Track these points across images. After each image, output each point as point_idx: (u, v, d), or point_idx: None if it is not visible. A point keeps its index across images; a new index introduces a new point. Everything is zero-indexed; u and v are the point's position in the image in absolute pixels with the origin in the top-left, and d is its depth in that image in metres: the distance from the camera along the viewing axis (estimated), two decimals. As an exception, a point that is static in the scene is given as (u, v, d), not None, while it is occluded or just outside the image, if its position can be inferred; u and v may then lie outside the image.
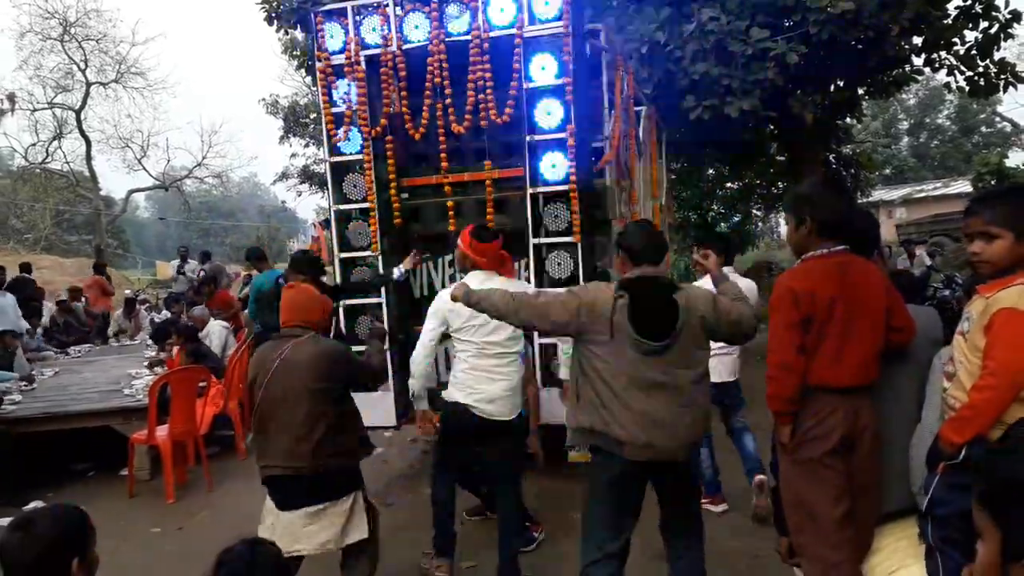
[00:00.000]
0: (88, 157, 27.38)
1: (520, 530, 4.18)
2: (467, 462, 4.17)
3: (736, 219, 19.05)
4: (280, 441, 3.24)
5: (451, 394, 3.89)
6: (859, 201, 16.22)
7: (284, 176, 26.88)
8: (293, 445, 3.20)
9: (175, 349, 7.05)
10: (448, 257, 5.28)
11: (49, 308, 11.28)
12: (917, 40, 9.96)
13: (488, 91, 4.79)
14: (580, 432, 3.06)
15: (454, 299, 3.35)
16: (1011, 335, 2.20)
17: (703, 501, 4.44)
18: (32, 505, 5.46)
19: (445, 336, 3.97)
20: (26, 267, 12.23)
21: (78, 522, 1.81)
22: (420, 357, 3.97)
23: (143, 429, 5.76)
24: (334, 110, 5.15)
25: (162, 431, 5.72)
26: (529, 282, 4.99)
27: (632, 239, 3.12)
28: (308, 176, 24.99)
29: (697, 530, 3.24)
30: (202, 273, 12.51)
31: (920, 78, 13.15)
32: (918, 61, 10.65)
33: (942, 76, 10.92)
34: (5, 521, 2.07)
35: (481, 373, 3.81)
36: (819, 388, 2.59)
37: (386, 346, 4.50)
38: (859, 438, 2.59)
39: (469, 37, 4.79)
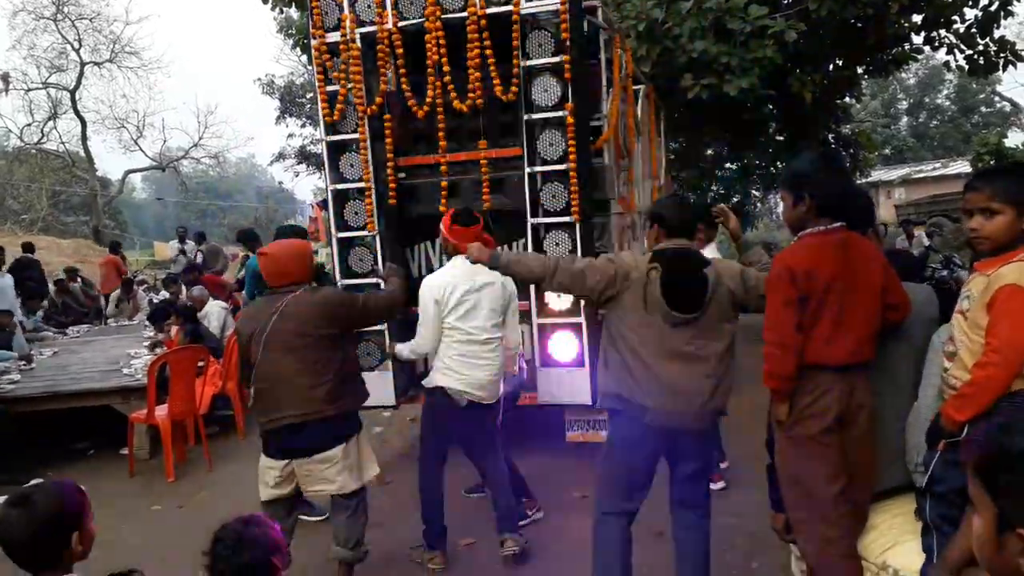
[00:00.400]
0: (84, 137, 27.34)
1: (515, 499, 4.22)
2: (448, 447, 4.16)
3: (735, 199, 18.99)
4: (290, 390, 3.30)
5: (437, 380, 3.91)
6: (858, 181, 16.17)
7: (281, 156, 26.83)
8: (306, 392, 3.29)
9: (174, 329, 7.05)
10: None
11: (47, 289, 11.27)
12: (917, 18, 9.91)
13: (491, 67, 4.75)
14: (606, 397, 3.15)
15: (474, 261, 3.29)
16: (1014, 311, 2.20)
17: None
18: (32, 483, 5.50)
19: None
20: (29, 247, 12.14)
21: (75, 497, 1.82)
22: (429, 345, 3.97)
23: (142, 409, 5.78)
24: (329, 88, 5.11)
25: (161, 410, 5.74)
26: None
27: (669, 211, 3.17)
28: (305, 156, 24.94)
29: (705, 505, 3.28)
30: (199, 254, 12.50)
31: (919, 57, 13.08)
32: (917, 40, 10.59)
33: (942, 55, 10.87)
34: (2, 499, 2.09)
35: (469, 359, 3.87)
36: (815, 366, 2.59)
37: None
38: (855, 416, 2.61)
39: (465, 14, 4.75)
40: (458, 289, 3.84)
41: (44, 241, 19.40)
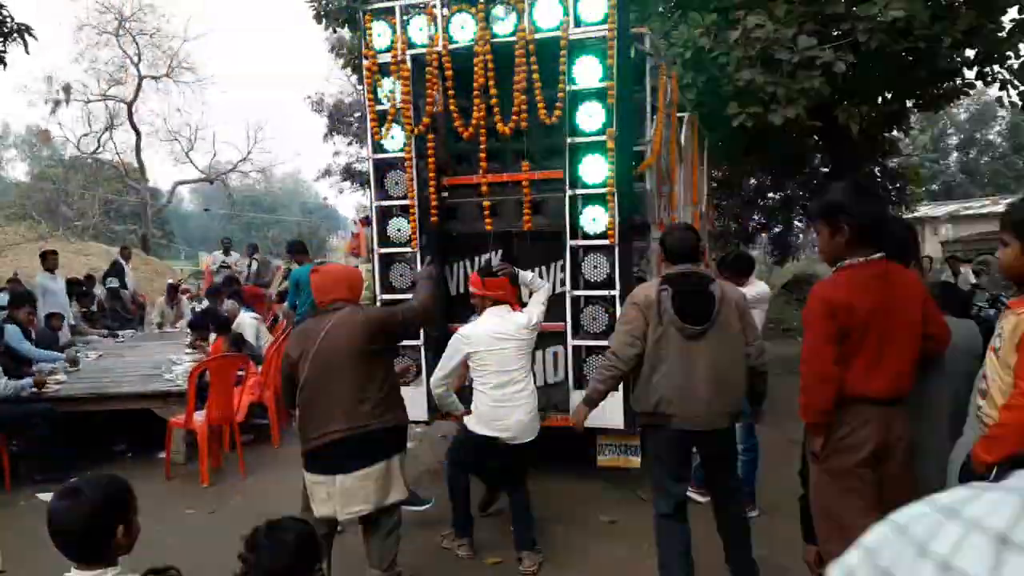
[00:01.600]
0: (137, 149, 28.15)
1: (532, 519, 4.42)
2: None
3: (777, 230, 18.81)
4: (337, 407, 3.39)
5: (476, 427, 4.16)
6: (904, 216, 15.92)
7: (327, 173, 27.24)
8: (353, 407, 3.38)
9: (213, 337, 7.19)
10: (486, 256, 5.31)
11: (98, 293, 11.60)
12: (970, 53, 9.73)
13: (537, 91, 4.81)
14: (640, 413, 3.59)
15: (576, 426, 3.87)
16: None
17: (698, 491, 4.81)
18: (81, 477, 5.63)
19: None
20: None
21: (122, 490, 1.88)
22: (437, 387, 4.24)
23: (181, 414, 5.89)
24: (378, 107, 5.22)
25: (199, 416, 5.85)
26: (563, 284, 5.03)
27: (670, 240, 3.55)
28: (350, 174, 25.29)
29: (736, 486, 3.76)
30: (254, 263, 12.75)
31: (972, 92, 12.83)
32: (970, 74, 10.40)
33: (995, 91, 10.67)
34: (47, 496, 2.15)
35: (504, 404, 4.12)
36: (854, 399, 2.56)
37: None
38: (892, 449, 2.57)
39: (514, 38, 4.82)
40: (491, 343, 4.13)
41: (94, 248, 19.96)
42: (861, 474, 2.56)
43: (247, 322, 7.99)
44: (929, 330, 2.60)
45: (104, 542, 1.83)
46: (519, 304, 4.39)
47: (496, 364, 4.11)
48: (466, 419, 4.27)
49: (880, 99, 10.70)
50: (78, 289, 10.44)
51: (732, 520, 3.67)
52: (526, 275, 4.49)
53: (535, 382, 5.28)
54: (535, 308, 4.34)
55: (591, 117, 4.78)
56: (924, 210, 27.76)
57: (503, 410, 4.10)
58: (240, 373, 6.37)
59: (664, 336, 3.35)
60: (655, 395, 3.38)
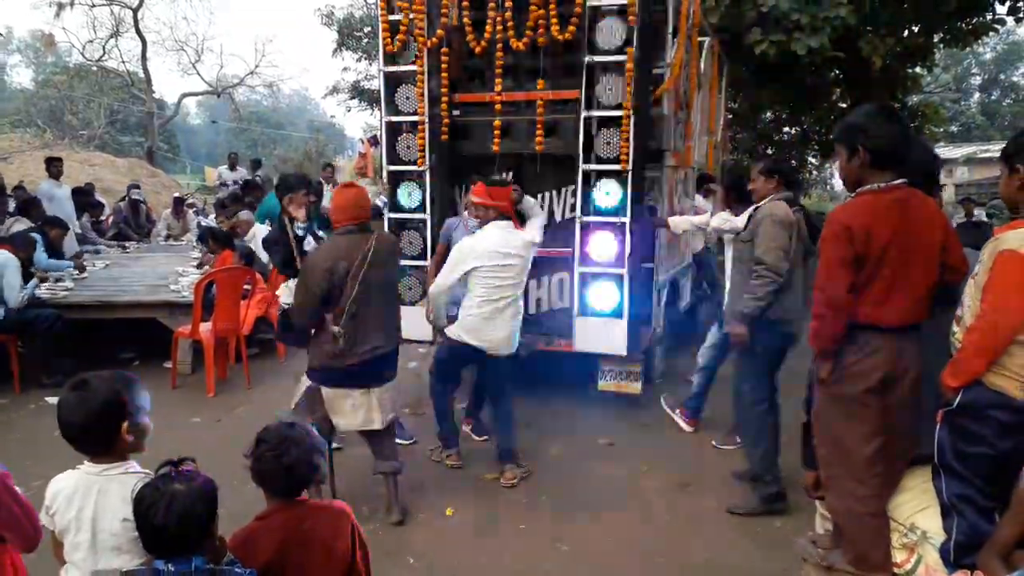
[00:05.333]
0: (143, 57, 27.54)
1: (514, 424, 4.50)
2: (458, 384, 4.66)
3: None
4: (380, 326, 3.69)
5: (461, 336, 4.23)
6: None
7: (335, 90, 26.69)
8: (387, 326, 3.75)
9: (226, 252, 7.15)
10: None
11: (117, 205, 11.60)
12: (1003, -14, 9.43)
13: (552, 6, 4.65)
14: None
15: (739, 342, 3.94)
16: (1006, 276, 2.16)
17: (678, 414, 5.13)
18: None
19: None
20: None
21: (129, 386, 1.89)
22: (439, 296, 4.30)
23: (188, 324, 5.93)
24: (391, 18, 5.06)
25: (205, 327, 5.88)
26: (574, 210, 4.97)
27: (788, 168, 4.23)
28: (358, 92, 24.80)
29: None
30: (257, 178, 12.63)
31: (1000, 29, 12.43)
32: (1001, 9, 10.09)
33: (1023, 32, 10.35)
34: (55, 399, 2.16)
35: (490, 320, 4.17)
36: (864, 326, 2.54)
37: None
38: (900, 378, 2.56)
39: (533, -51, 4.63)
40: (492, 258, 4.13)
41: (100, 158, 19.78)
42: (867, 401, 2.57)
43: (262, 233, 7.90)
44: (950, 260, 2.56)
45: (108, 436, 1.86)
46: (519, 223, 4.34)
47: (496, 280, 4.14)
48: (448, 329, 4.32)
49: (906, 32, 10.39)
50: (88, 199, 10.38)
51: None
52: (528, 200, 4.47)
53: (540, 308, 5.33)
54: (535, 231, 4.33)
55: (610, 35, 4.63)
56: (941, 151, 27.30)
57: (490, 324, 4.17)
58: (247, 287, 6.38)
59: (795, 255, 3.78)
60: (782, 310, 3.76)
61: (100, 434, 1.86)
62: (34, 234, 6.70)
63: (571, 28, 4.64)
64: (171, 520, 1.65)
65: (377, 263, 3.60)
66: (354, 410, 3.71)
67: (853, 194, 2.63)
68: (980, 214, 13.35)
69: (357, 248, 3.57)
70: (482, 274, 4.13)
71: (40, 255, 6.69)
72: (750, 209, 4.04)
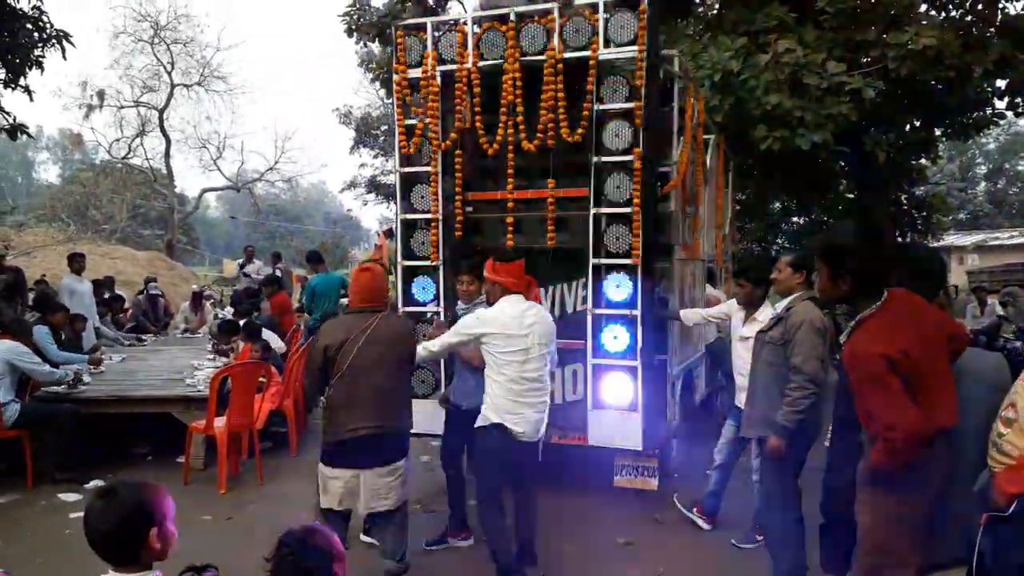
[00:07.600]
0: (167, 155, 28.54)
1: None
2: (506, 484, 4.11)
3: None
4: (370, 403, 3.58)
5: (494, 418, 3.88)
6: (930, 244, 15.74)
7: (352, 185, 27.49)
8: (383, 407, 3.62)
9: (241, 345, 7.24)
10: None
11: (136, 299, 11.81)
12: (1000, 83, 9.68)
13: (561, 110, 4.84)
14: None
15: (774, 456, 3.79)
16: None
17: (695, 512, 4.96)
18: (93, 483, 5.68)
19: None
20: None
21: (156, 496, 1.91)
22: (433, 355, 4.18)
23: (202, 419, 5.93)
24: (407, 122, 5.28)
25: (219, 422, 5.88)
26: (585, 302, 5.03)
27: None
28: (375, 186, 25.51)
29: None
30: (279, 271, 12.83)
31: (1001, 122, 12.72)
32: (1000, 104, 10.34)
33: (1025, 122, 10.60)
34: (70, 497, 2.18)
35: (521, 400, 3.88)
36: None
37: None
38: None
39: (544, 57, 4.86)
40: (509, 330, 3.84)
41: (121, 251, 20.23)
42: (928, 504, 2.51)
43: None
44: (950, 331, 2.58)
45: (135, 545, 1.86)
46: (539, 300, 4.27)
47: (519, 355, 3.84)
48: (482, 412, 3.98)
49: (908, 127, 10.65)
50: (108, 292, 10.58)
51: None
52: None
53: (553, 400, 5.27)
54: None
55: (617, 136, 4.80)
56: (951, 239, 27.45)
57: (519, 405, 3.87)
58: (262, 380, 6.41)
59: (827, 361, 3.73)
60: (818, 416, 3.72)
61: (127, 543, 1.86)
62: (42, 326, 6.83)
63: (580, 131, 4.81)
64: None
65: (375, 341, 3.59)
66: (344, 493, 3.59)
67: (853, 323, 2.64)
68: (994, 303, 13.28)
69: (357, 325, 3.64)
70: (499, 348, 3.83)
71: (49, 347, 6.79)
72: (778, 309, 3.96)
